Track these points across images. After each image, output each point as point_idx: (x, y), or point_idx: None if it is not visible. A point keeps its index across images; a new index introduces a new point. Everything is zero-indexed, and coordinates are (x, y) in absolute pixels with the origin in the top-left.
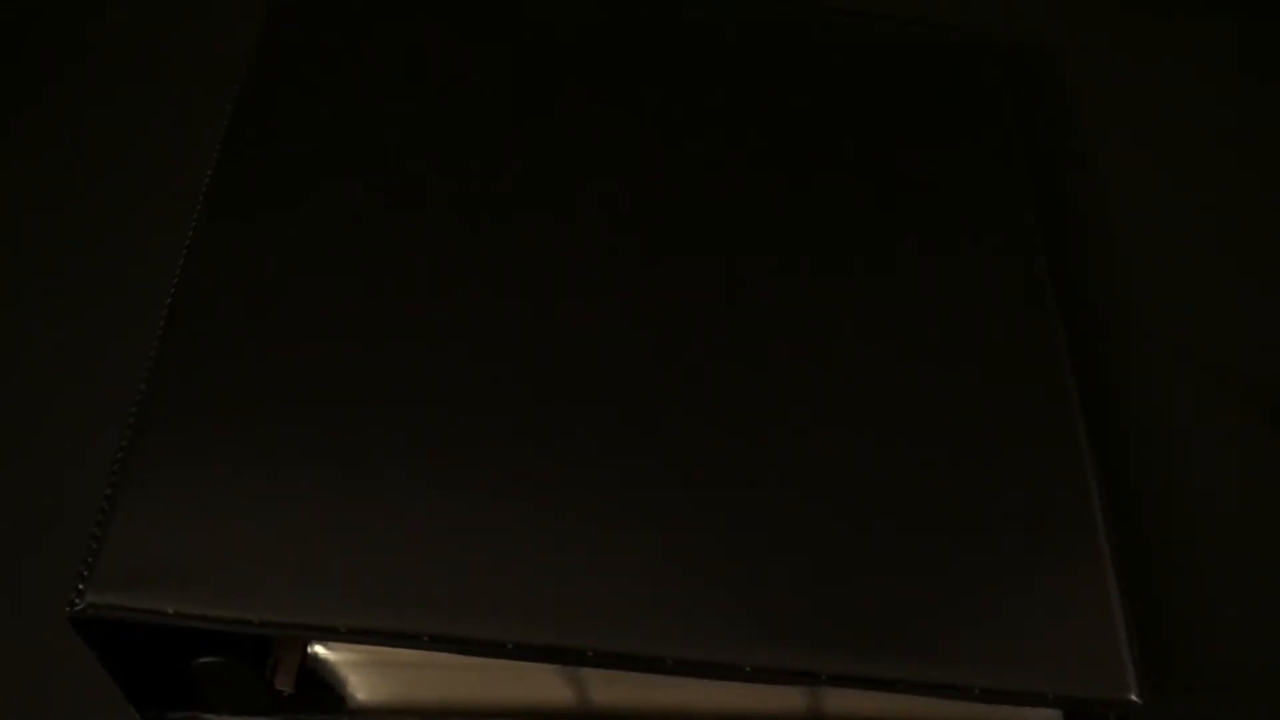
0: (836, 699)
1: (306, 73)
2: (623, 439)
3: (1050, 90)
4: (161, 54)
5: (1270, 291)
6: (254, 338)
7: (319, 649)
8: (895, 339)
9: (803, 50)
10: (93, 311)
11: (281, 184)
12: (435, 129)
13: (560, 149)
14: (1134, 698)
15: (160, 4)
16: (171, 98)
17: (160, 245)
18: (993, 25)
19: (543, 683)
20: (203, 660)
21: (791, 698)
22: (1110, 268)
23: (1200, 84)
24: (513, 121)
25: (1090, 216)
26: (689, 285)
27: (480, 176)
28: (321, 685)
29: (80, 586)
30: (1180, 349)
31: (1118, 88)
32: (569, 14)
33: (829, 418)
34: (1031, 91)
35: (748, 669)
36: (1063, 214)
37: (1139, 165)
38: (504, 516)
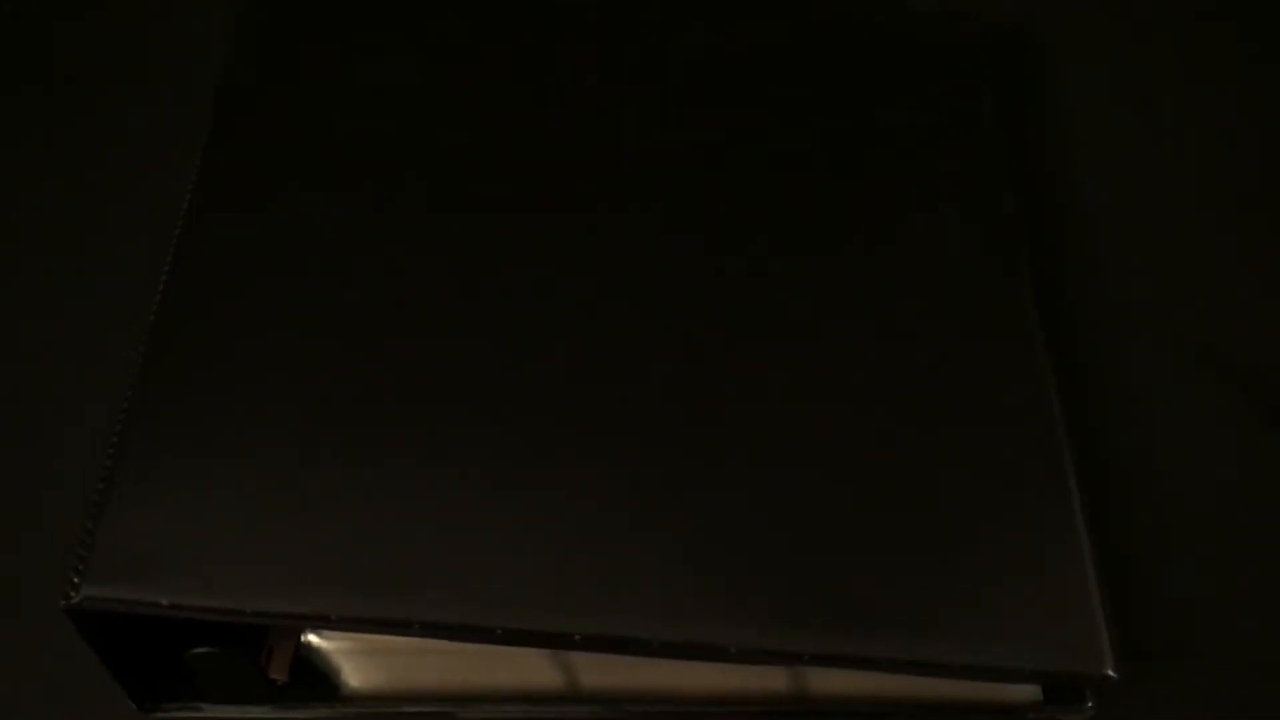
0: (820, 678)
1: (287, 64)
2: (606, 425)
3: (1033, 71)
4: (144, 53)
5: (1249, 269)
6: (246, 329)
7: (312, 637)
8: (874, 318)
9: (784, 32)
10: (88, 303)
11: (269, 175)
12: (422, 113)
13: (551, 134)
14: (1110, 672)
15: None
16: (159, 93)
17: (149, 241)
18: (976, 6)
19: (532, 667)
20: (197, 651)
21: (776, 677)
22: (1088, 244)
23: (1187, 64)
24: (506, 105)
25: (1070, 197)
26: (664, 266)
27: (471, 162)
28: (316, 674)
29: (75, 579)
30: (1156, 324)
31: (1101, 68)
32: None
33: (807, 397)
34: (1014, 72)
35: (733, 650)
36: (1042, 194)
37: (1123, 145)
38: (492, 503)
